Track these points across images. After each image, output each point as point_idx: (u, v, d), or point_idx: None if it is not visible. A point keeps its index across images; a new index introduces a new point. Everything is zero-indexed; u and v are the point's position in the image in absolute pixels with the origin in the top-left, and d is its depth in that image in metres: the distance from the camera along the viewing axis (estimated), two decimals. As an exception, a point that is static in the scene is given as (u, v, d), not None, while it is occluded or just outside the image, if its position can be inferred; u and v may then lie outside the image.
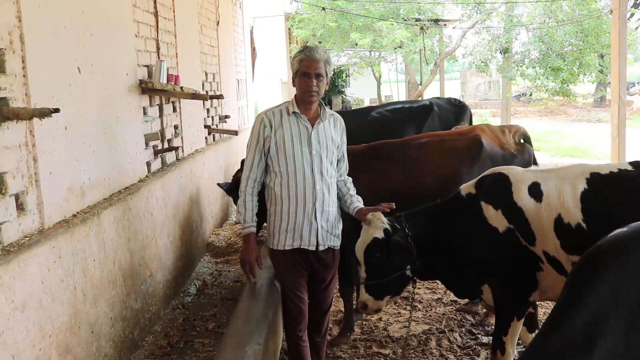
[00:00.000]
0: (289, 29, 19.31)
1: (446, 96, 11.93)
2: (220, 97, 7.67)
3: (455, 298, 5.04)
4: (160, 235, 4.98)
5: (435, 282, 5.27)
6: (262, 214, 3.43)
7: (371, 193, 4.12)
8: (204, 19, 7.78)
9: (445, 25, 17.89)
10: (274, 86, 18.73)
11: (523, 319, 3.42)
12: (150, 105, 5.19)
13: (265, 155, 3.30)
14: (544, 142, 15.21)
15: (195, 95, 5.80)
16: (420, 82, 18.33)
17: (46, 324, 3.00)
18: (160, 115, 5.49)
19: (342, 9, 15.98)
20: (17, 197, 2.96)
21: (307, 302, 3.43)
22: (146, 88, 4.88)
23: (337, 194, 3.46)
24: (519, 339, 3.52)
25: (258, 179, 3.34)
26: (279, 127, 3.26)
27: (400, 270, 3.40)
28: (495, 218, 3.30)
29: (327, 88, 3.45)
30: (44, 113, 2.84)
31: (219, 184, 6.61)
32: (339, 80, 19.77)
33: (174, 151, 5.83)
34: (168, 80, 5.25)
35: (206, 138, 7.51)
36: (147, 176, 4.98)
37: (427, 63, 17.19)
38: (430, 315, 4.87)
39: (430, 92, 18.83)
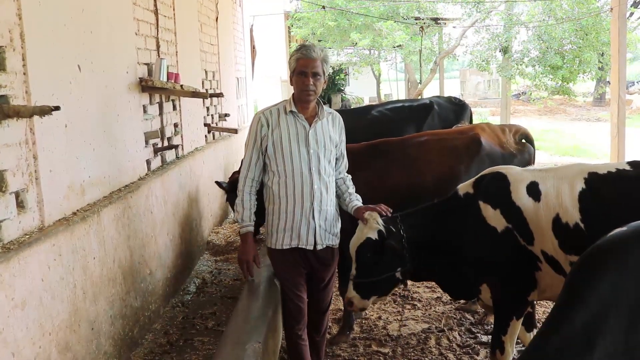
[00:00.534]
0: (289, 27, 19.30)
1: (446, 95, 11.91)
2: (220, 95, 7.67)
3: (455, 297, 5.07)
4: (160, 233, 4.99)
5: (435, 281, 5.27)
6: (261, 214, 3.44)
7: (370, 191, 4.12)
8: (204, 17, 7.77)
9: (445, 24, 17.89)
10: (273, 84, 18.71)
11: (522, 319, 3.43)
12: (150, 103, 5.19)
13: (263, 154, 3.30)
14: (544, 141, 15.21)
15: (195, 94, 5.80)
16: (420, 80, 18.31)
17: (46, 322, 3.01)
18: (160, 114, 5.49)
19: (341, 7, 15.97)
20: (17, 194, 2.96)
21: (306, 301, 3.44)
22: (146, 86, 4.88)
23: (336, 191, 3.46)
24: (517, 338, 3.52)
25: (256, 178, 3.35)
26: (276, 126, 3.26)
27: (390, 272, 3.41)
28: (494, 218, 3.30)
29: (326, 87, 3.45)
30: (44, 111, 2.84)
31: (217, 182, 6.60)
32: (339, 79, 19.77)
33: (173, 149, 5.83)
34: (168, 79, 5.25)
35: (206, 136, 7.51)
36: (147, 174, 4.98)
37: (421, 64, 17.16)
38: (429, 314, 4.88)
39: (430, 91, 18.81)
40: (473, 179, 3.53)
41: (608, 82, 18.14)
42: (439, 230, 3.46)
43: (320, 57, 3.22)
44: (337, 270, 3.64)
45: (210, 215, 7.09)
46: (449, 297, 5.12)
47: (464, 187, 3.51)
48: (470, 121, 7.29)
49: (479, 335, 4.47)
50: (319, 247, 3.33)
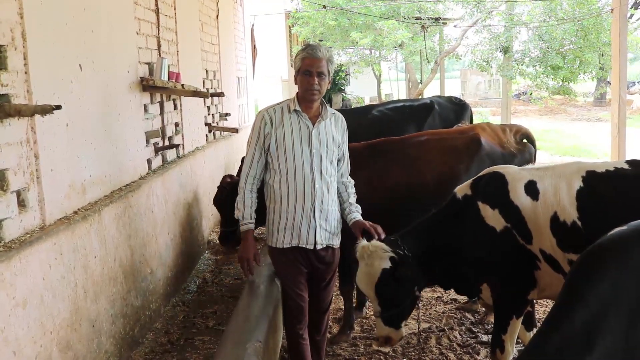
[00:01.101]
0: (290, 27, 19.30)
1: (446, 95, 11.93)
2: (221, 94, 7.68)
3: (456, 296, 5.07)
4: (160, 232, 4.99)
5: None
6: (263, 214, 3.44)
7: (370, 191, 4.14)
8: (205, 17, 7.78)
9: (445, 23, 17.88)
10: (274, 84, 18.71)
11: (522, 318, 3.43)
12: (151, 102, 5.19)
13: (265, 152, 3.30)
14: (544, 141, 15.21)
15: (196, 93, 5.80)
16: (421, 80, 18.33)
17: (47, 321, 3.01)
18: (161, 113, 5.50)
19: (342, 7, 15.97)
20: (18, 193, 2.97)
21: (307, 300, 3.43)
22: (147, 85, 4.89)
23: (337, 198, 3.46)
24: (517, 338, 3.53)
25: (258, 175, 3.35)
26: (279, 124, 3.27)
27: (411, 295, 3.40)
28: (493, 217, 3.30)
29: (329, 87, 3.45)
30: (46, 110, 2.84)
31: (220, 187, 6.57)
32: (339, 78, 19.78)
33: (174, 149, 5.84)
34: (169, 78, 5.25)
35: (207, 136, 7.52)
36: (147, 173, 4.99)
37: (428, 61, 17.16)
38: (430, 314, 4.88)
39: (431, 91, 18.82)
40: (470, 180, 3.52)
41: (608, 82, 18.14)
42: (440, 238, 3.44)
43: (325, 57, 3.23)
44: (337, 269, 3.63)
45: (211, 214, 7.09)
46: (449, 297, 5.13)
47: (462, 189, 3.50)
48: (471, 121, 7.30)
49: (479, 334, 4.47)
50: (318, 247, 3.33)
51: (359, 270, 3.34)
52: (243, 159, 3.65)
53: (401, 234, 3.45)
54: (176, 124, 6.01)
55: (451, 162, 4.56)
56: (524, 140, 4.85)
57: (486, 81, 32.14)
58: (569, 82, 15.60)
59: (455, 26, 17.66)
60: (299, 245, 3.32)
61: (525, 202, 3.23)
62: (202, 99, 6.90)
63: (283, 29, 20.06)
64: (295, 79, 3.31)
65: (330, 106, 3.49)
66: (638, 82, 31.26)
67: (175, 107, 5.97)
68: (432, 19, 16.84)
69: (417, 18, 16.48)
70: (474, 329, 4.57)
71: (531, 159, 4.73)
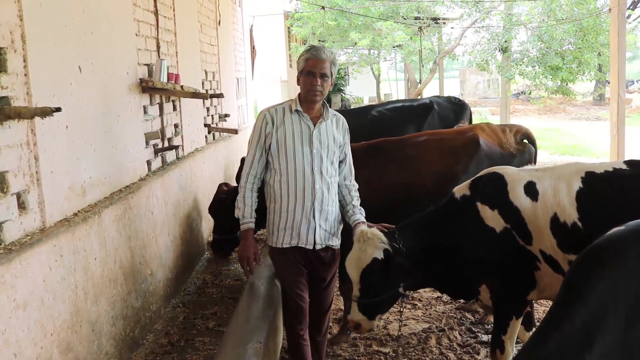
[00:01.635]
0: (289, 27, 19.31)
1: (445, 94, 11.93)
2: (220, 95, 7.68)
3: (455, 296, 5.07)
4: (160, 233, 4.99)
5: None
6: (263, 215, 3.44)
7: (369, 191, 4.13)
8: (204, 18, 7.78)
9: (444, 23, 17.90)
10: (273, 85, 18.73)
11: (522, 318, 3.44)
12: (151, 104, 5.20)
13: (266, 152, 3.31)
14: (543, 140, 15.21)
15: (195, 94, 5.81)
16: (420, 80, 18.32)
17: (48, 323, 3.02)
18: (161, 114, 5.50)
19: (341, 7, 15.98)
20: (18, 195, 2.97)
21: (307, 300, 3.43)
22: (146, 87, 4.89)
23: (340, 200, 3.45)
24: (517, 338, 3.53)
25: (258, 175, 3.35)
26: (280, 124, 3.28)
27: (394, 289, 3.35)
28: (492, 218, 3.30)
29: (331, 88, 3.46)
30: (46, 112, 2.85)
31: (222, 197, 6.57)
32: (339, 78, 19.81)
33: (174, 150, 5.84)
34: (168, 79, 5.26)
35: (206, 137, 7.52)
36: (147, 175, 4.99)
37: (423, 65, 17.15)
38: (430, 314, 4.88)
39: (430, 91, 18.82)
40: (469, 181, 3.52)
41: (607, 81, 18.14)
42: (438, 237, 3.43)
43: (329, 58, 3.25)
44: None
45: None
46: (449, 297, 5.13)
47: (460, 189, 3.50)
48: (470, 121, 7.31)
49: (479, 334, 4.48)
50: (318, 247, 3.33)
51: (351, 252, 3.32)
52: (243, 159, 3.66)
53: (400, 227, 3.43)
54: (175, 125, 6.02)
55: (450, 163, 4.57)
56: (525, 141, 4.85)
57: (485, 81, 32.16)
58: (567, 83, 15.60)
59: (452, 28, 17.69)
60: (299, 245, 3.33)
61: (525, 203, 3.24)
62: (202, 100, 6.90)
63: (282, 29, 20.09)
64: (298, 80, 3.32)
65: (330, 106, 3.49)
66: (637, 81, 31.28)
67: (174, 109, 5.98)
68: (431, 19, 16.86)
69: (416, 18, 16.50)
70: (474, 329, 4.58)
71: (531, 160, 4.74)
